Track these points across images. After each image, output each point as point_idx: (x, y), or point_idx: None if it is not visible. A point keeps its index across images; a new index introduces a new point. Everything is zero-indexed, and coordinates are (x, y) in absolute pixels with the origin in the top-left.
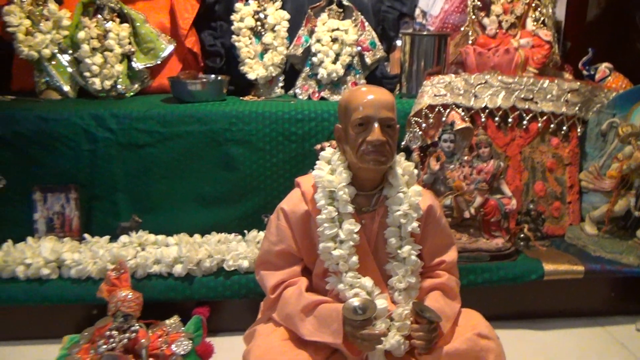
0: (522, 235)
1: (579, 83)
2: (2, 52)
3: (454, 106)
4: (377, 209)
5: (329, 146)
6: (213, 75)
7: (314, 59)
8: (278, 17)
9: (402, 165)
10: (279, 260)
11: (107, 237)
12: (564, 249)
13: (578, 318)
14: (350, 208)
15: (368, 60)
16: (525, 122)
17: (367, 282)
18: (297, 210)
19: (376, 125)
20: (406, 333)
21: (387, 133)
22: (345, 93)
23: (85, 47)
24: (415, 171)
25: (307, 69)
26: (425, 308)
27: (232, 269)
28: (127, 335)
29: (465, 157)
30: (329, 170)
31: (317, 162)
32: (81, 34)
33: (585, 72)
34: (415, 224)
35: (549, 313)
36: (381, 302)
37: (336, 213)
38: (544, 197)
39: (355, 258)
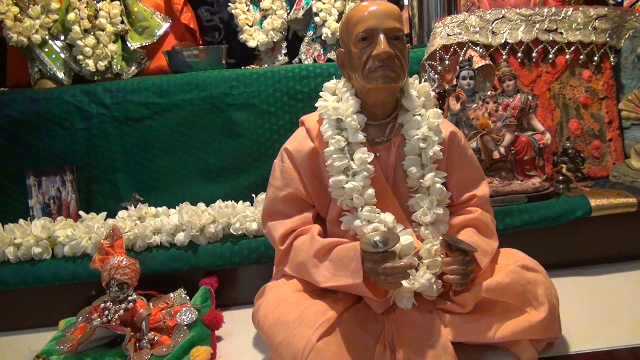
0: (560, 177)
1: (606, 8)
2: None
3: (470, 44)
4: (392, 139)
5: None
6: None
7: (317, 19)
8: None
9: (417, 87)
10: (287, 207)
11: (104, 214)
12: (610, 187)
13: (634, 261)
14: (360, 136)
15: None
16: (551, 56)
17: (388, 217)
18: (303, 149)
19: (382, 37)
20: (437, 271)
21: (394, 46)
22: (346, 14)
23: (76, 28)
24: (433, 92)
25: (310, 32)
26: (457, 240)
27: (240, 232)
28: (123, 306)
29: (489, 92)
30: (335, 100)
31: (321, 93)
32: (71, 16)
33: (612, 1)
34: (437, 148)
35: (601, 256)
36: (406, 238)
37: (345, 143)
38: (581, 136)
39: (371, 190)
